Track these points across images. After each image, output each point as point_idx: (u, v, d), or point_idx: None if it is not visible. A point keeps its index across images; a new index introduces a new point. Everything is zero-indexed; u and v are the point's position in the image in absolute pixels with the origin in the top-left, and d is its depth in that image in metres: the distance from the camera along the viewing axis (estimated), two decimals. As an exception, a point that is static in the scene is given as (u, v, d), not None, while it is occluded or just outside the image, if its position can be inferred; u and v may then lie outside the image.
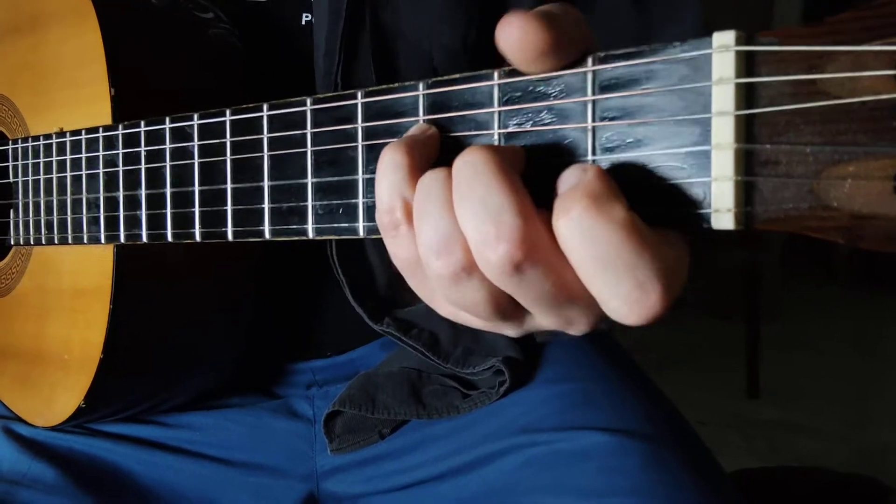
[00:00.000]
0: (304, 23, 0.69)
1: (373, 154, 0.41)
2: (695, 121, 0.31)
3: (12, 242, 0.70)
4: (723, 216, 0.31)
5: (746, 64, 0.30)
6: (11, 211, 0.69)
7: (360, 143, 0.42)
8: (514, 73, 0.36)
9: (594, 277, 0.31)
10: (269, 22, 0.69)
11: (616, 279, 0.31)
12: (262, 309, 0.71)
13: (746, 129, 0.30)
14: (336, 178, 0.43)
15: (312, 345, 0.77)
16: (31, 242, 0.66)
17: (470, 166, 0.33)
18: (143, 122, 0.54)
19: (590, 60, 0.34)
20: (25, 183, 0.66)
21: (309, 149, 0.44)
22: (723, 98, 0.30)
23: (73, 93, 0.63)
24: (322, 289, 0.74)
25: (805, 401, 2.58)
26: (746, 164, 0.30)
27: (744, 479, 0.97)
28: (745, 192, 0.30)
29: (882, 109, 0.28)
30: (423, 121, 0.39)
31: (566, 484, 0.62)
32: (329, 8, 0.64)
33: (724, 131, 0.30)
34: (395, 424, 0.73)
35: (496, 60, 0.36)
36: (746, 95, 0.30)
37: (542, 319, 0.36)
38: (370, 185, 0.42)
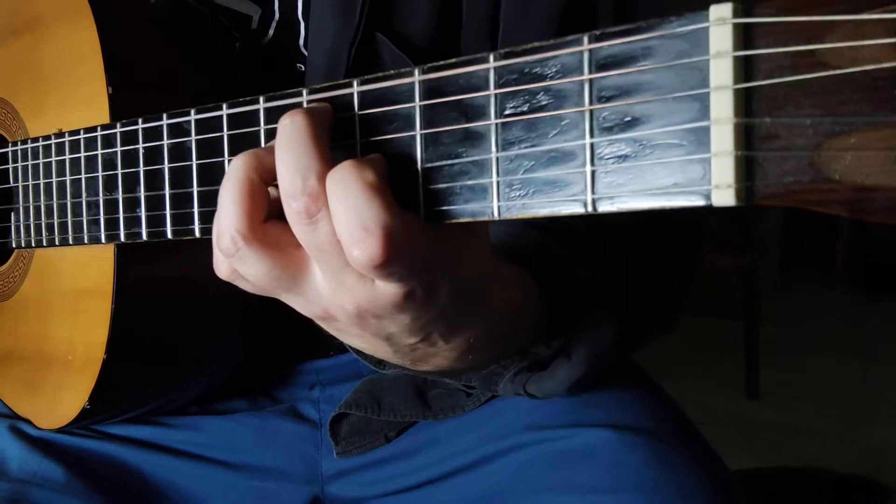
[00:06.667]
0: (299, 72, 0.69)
1: (371, 143, 0.41)
2: (693, 96, 0.31)
3: (14, 245, 0.70)
4: (723, 192, 0.30)
5: (744, 36, 0.29)
6: (12, 214, 0.69)
7: (357, 132, 0.41)
8: (510, 55, 0.36)
9: (337, 214, 0.37)
10: (264, 67, 0.69)
11: (347, 217, 0.37)
12: (266, 309, 0.71)
13: (745, 104, 0.30)
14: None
15: (316, 345, 0.77)
16: (33, 245, 0.66)
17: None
18: (140, 120, 0.54)
19: (585, 39, 0.33)
20: (26, 186, 0.66)
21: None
22: (721, 72, 0.30)
23: (71, 92, 0.63)
24: None
25: (804, 402, 2.58)
26: (746, 138, 0.30)
27: (743, 480, 0.97)
28: (746, 167, 0.30)
29: (884, 79, 0.28)
30: (420, 107, 0.39)
31: (572, 481, 0.62)
32: (332, 12, 0.64)
33: (722, 106, 0.30)
34: (401, 427, 0.72)
35: None
36: (745, 69, 0.30)
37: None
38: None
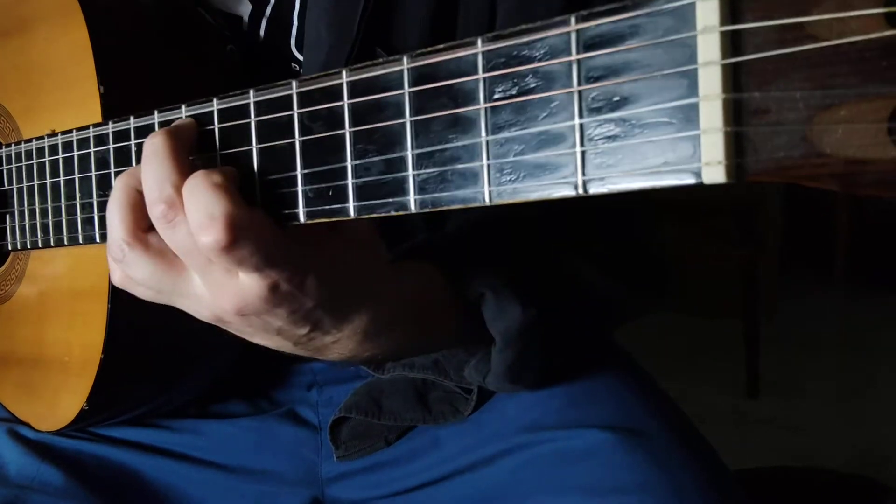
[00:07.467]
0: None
1: (363, 132, 0.41)
2: (681, 73, 0.30)
3: (9, 248, 0.69)
4: (713, 169, 0.30)
5: (731, 11, 0.29)
6: (7, 216, 0.69)
7: (346, 121, 0.41)
8: (498, 38, 0.35)
9: (189, 212, 0.42)
10: (257, 69, 0.69)
11: (197, 209, 0.42)
12: None
13: (734, 79, 0.29)
14: (326, 161, 0.43)
15: None
16: (28, 246, 0.66)
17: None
18: (132, 117, 0.53)
19: (572, 19, 0.33)
20: (20, 188, 0.66)
21: (297, 133, 0.43)
22: (708, 47, 0.30)
23: (64, 94, 0.63)
24: None
25: (804, 400, 2.56)
26: (735, 114, 0.29)
27: (743, 480, 0.97)
28: (736, 143, 0.30)
29: (872, 50, 0.27)
30: (409, 93, 0.39)
31: (570, 482, 0.62)
32: (328, 24, 0.64)
33: (711, 82, 0.30)
34: (401, 430, 0.72)
35: None
36: (732, 44, 0.29)
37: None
38: (357, 166, 0.41)
